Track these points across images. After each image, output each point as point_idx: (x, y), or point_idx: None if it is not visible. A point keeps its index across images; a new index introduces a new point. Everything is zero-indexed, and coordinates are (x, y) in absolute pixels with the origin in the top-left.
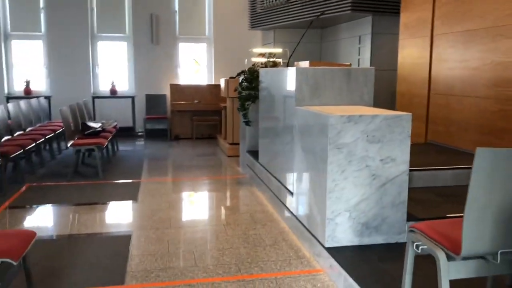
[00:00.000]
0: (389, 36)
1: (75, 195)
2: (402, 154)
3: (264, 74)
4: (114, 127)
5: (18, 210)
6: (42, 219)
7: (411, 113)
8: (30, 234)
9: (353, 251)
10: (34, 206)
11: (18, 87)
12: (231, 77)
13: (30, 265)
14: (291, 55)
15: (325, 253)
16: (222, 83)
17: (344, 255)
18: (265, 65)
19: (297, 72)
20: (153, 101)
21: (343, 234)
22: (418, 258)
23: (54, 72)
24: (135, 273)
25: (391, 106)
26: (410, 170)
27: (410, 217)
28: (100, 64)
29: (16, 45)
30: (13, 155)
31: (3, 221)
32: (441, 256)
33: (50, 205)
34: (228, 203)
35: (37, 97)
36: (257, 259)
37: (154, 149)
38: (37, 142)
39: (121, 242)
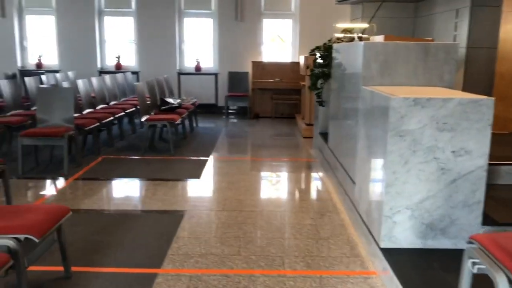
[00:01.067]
0: (490, 8)
1: (143, 170)
2: (479, 146)
3: (337, 50)
4: (193, 103)
5: (86, 182)
6: (104, 192)
7: (493, 98)
8: (63, 210)
9: (413, 255)
10: (101, 179)
11: (110, 62)
12: (311, 54)
13: (65, 241)
14: (364, 29)
15: (380, 254)
16: (302, 60)
17: (400, 259)
18: (342, 40)
19: (365, 47)
20: (236, 79)
21: (403, 235)
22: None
23: (143, 48)
24: (175, 256)
25: (488, 90)
26: (499, 164)
27: (487, 221)
28: (186, 41)
29: (109, 21)
30: (88, 128)
31: (71, 191)
32: (500, 279)
33: (116, 179)
34: (290, 189)
35: (124, 72)
36: (305, 253)
37: (232, 127)
38: (116, 116)
39: (172, 221)
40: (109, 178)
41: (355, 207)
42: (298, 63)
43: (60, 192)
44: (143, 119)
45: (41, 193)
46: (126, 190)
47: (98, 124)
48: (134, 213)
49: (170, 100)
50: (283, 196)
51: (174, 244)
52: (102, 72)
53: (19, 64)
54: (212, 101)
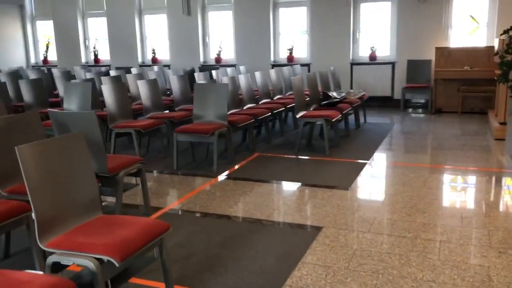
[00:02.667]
0: None
1: (290, 172)
2: None
3: None
4: (361, 97)
5: (230, 181)
6: (243, 194)
7: None
8: (161, 227)
9: None
10: (246, 179)
11: (283, 55)
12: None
13: (167, 259)
14: None
15: None
16: (496, 44)
17: None
18: None
19: None
20: (415, 68)
21: None
22: None
23: (315, 38)
24: None
25: None
26: None
27: None
28: (362, 29)
29: (283, 13)
30: (241, 124)
31: (213, 191)
32: None
33: (260, 180)
34: (461, 210)
35: (293, 64)
36: None
37: (407, 123)
38: (275, 111)
39: (303, 240)
40: (254, 178)
41: None
42: (494, 47)
43: (202, 191)
44: (298, 115)
45: (184, 191)
46: (265, 194)
47: (252, 120)
48: (265, 224)
49: (334, 94)
50: (450, 220)
51: (296, 271)
52: (274, 65)
53: (201, 59)
54: (388, 93)
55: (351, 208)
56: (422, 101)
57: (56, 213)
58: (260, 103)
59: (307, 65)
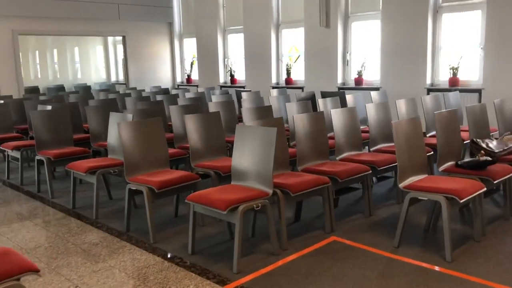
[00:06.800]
0: None
1: None
2: None
3: None
4: None
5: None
6: None
7: None
8: None
9: None
10: None
11: (444, 76)
12: None
13: None
14: None
15: None
16: None
17: None
18: None
19: None
20: None
21: None
22: None
23: (492, 54)
24: None
25: None
26: None
27: None
28: None
29: (447, 20)
30: (297, 193)
31: None
32: None
33: None
34: None
35: (449, 90)
36: None
37: None
38: (380, 168)
39: None
40: None
41: None
42: None
43: None
44: (400, 184)
45: None
46: None
47: (327, 184)
48: None
49: (492, 143)
50: None
51: None
52: (431, 90)
53: (339, 80)
54: None
55: None
56: None
57: None
58: (372, 149)
59: (478, 91)
